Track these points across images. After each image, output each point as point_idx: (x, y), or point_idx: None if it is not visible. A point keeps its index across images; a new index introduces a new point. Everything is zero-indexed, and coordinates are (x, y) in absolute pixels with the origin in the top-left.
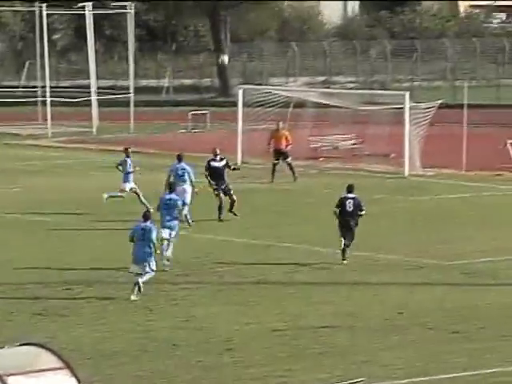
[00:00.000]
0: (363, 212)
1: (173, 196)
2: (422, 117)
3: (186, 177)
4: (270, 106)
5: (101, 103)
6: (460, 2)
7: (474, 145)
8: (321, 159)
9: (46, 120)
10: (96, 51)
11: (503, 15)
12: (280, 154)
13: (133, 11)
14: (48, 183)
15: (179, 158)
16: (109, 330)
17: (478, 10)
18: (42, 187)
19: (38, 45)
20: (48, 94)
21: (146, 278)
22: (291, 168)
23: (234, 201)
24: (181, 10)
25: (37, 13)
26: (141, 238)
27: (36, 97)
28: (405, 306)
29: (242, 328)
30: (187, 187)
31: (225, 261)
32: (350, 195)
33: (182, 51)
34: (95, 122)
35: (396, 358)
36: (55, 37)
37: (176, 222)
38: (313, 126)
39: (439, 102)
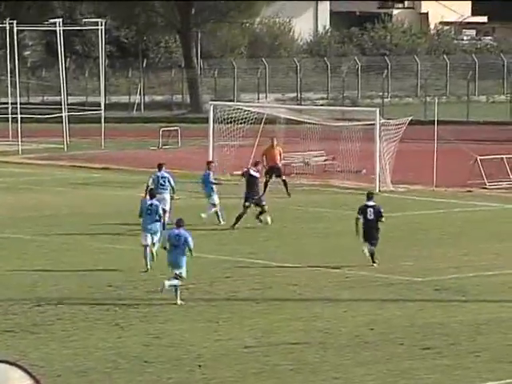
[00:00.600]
0: (383, 219)
1: (154, 201)
2: (392, 133)
3: (167, 184)
4: (241, 123)
5: (72, 120)
6: (430, 19)
7: (445, 161)
8: (292, 175)
9: (17, 137)
10: (67, 68)
11: (473, 32)
12: (274, 171)
13: (104, 28)
14: (18, 200)
15: (159, 167)
16: (80, 346)
17: (448, 27)
18: (11, 204)
19: (8, 61)
20: (19, 111)
21: (175, 282)
22: (285, 184)
23: (265, 211)
24: (152, 27)
25: (7, 29)
26: (176, 244)
27: (6, 113)
28: (376, 323)
29: (212, 344)
30: (167, 195)
31: (196, 277)
32: (370, 203)
33: (153, 68)
34: (66, 138)
35: (367, 374)
36: (26, 53)
37: (158, 226)
38: (284, 142)
39: (410, 118)
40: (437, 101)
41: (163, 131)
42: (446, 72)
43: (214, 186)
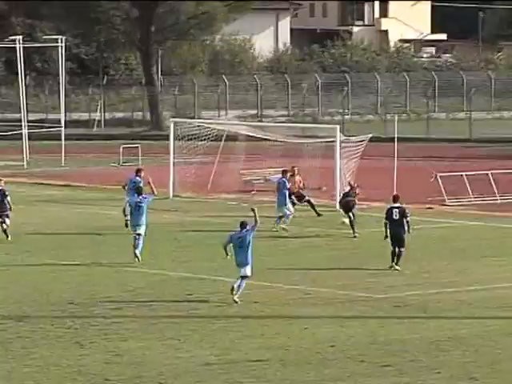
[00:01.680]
0: (408, 219)
1: (141, 198)
2: (353, 150)
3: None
4: (201, 140)
5: (32, 137)
6: (390, 37)
7: (405, 178)
8: (253, 192)
9: None
10: (27, 85)
11: (432, 49)
12: (299, 198)
13: (64, 44)
14: None
15: (137, 172)
16: (39, 364)
17: (407, 45)
18: None
19: None
20: None
21: (243, 284)
22: (312, 205)
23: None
24: (112, 44)
25: None
26: (239, 245)
27: None
28: (337, 340)
29: (173, 362)
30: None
31: (157, 294)
32: (396, 205)
33: (114, 85)
34: (26, 155)
35: None
36: None
37: (144, 221)
38: (245, 159)
39: (370, 135)
40: (397, 118)
41: (124, 148)
42: (406, 89)
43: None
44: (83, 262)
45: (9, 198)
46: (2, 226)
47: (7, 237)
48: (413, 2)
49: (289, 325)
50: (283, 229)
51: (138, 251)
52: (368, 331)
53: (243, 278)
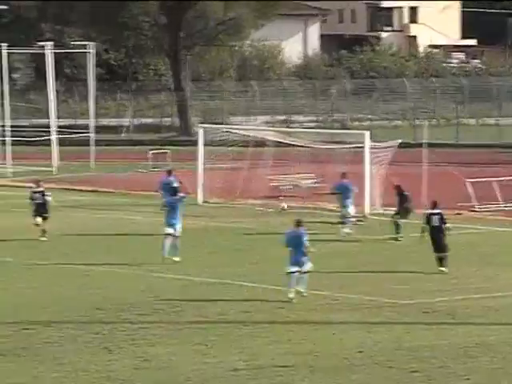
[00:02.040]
0: (448, 225)
1: (175, 197)
2: (381, 156)
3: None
4: (230, 145)
5: (61, 142)
6: (419, 42)
7: (434, 184)
8: (281, 198)
9: (6, 159)
10: (56, 90)
11: (462, 55)
12: None
13: (93, 50)
14: (6, 223)
15: (169, 173)
16: (68, 370)
17: (437, 50)
18: (0, 227)
19: None
20: (8, 134)
21: (304, 284)
22: None
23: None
24: (141, 50)
25: None
26: (296, 243)
27: None
28: (364, 345)
29: (201, 367)
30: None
31: (184, 300)
32: (435, 211)
33: (143, 90)
34: (55, 161)
35: None
36: (15, 76)
37: (179, 220)
38: (273, 164)
39: (399, 141)
40: (426, 124)
41: (152, 154)
42: (435, 95)
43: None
44: (110, 268)
45: (48, 199)
46: (40, 224)
47: (42, 235)
48: (442, 8)
49: (316, 330)
50: (347, 233)
51: (169, 255)
52: (395, 337)
53: (304, 272)
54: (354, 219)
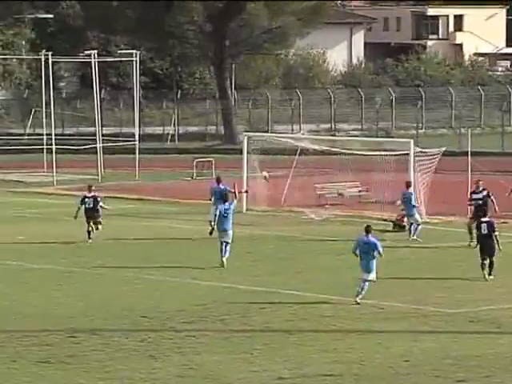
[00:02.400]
0: (496, 233)
1: (227, 204)
2: (426, 164)
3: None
4: (275, 154)
5: (106, 151)
6: (464, 50)
7: None
8: (326, 206)
9: (52, 168)
10: (101, 99)
11: (507, 63)
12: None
13: (138, 59)
14: (53, 231)
15: (218, 181)
16: (114, 377)
17: (482, 58)
18: (46, 235)
19: (43, 92)
20: (53, 142)
21: (365, 287)
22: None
23: None
24: (186, 58)
25: (43, 61)
26: (365, 250)
27: (42, 144)
28: (410, 354)
29: (246, 375)
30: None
31: (230, 308)
32: (484, 219)
33: (187, 99)
34: (100, 169)
35: None
36: (61, 84)
37: (231, 227)
38: (318, 173)
39: (444, 149)
40: (470, 132)
41: (197, 162)
42: (481, 103)
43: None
44: (155, 276)
45: (101, 204)
46: (92, 228)
47: (89, 239)
48: (488, 16)
49: (362, 339)
50: (415, 239)
51: (225, 258)
52: (441, 346)
53: (367, 281)
54: (420, 226)
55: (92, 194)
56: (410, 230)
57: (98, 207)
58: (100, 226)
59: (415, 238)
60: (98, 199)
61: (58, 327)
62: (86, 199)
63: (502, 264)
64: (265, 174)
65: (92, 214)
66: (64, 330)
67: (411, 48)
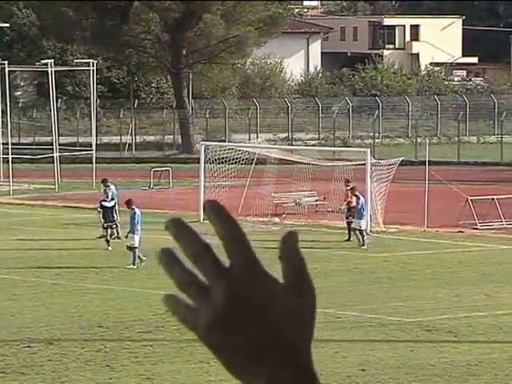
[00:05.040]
0: None
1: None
2: (383, 173)
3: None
4: (232, 163)
5: (63, 160)
6: (421, 60)
7: (436, 202)
8: (284, 215)
9: (8, 177)
10: (58, 108)
11: (463, 73)
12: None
13: (95, 68)
14: (8, 240)
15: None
16: None
17: (438, 68)
18: (2, 244)
19: None
20: (10, 151)
21: None
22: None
23: None
24: (143, 67)
25: None
26: None
27: None
28: (367, 363)
29: None
30: None
31: None
32: None
33: (145, 108)
34: (57, 178)
35: None
36: (17, 94)
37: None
38: (276, 182)
39: (401, 158)
40: (428, 141)
41: (154, 172)
42: (437, 113)
43: None
44: (112, 286)
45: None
46: (110, 234)
47: (109, 246)
48: (444, 26)
49: (318, 348)
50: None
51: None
52: (398, 355)
53: None
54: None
55: (111, 198)
56: (359, 238)
57: (115, 210)
58: (115, 231)
59: (365, 247)
60: (116, 206)
61: (13, 337)
62: (104, 202)
63: (458, 272)
64: (276, 220)
65: (111, 218)
66: (19, 340)
67: (368, 57)
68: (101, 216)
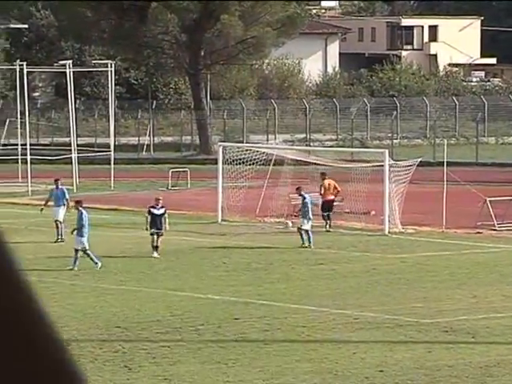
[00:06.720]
0: None
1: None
2: (401, 174)
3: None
4: (249, 164)
5: (81, 161)
6: (439, 61)
7: (454, 203)
8: (300, 217)
9: (26, 178)
10: (76, 109)
11: (482, 73)
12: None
13: (113, 69)
14: (26, 241)
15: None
16: None
17: (457, 69)
18: (19, 245)
19: (18, 103)
20: (28, 152)
21: None
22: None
23: None
24: (161, 68)
25: (17, 71)
26: None
27: (16, 155)
28: (385, 365)
29: None
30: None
31: (204, 318)
32: None
33: (163, 109)
34: (75, 179)
35: None
36: (35, 94)
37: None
38: (293, 183)
39: (419, 159)
40: (446, 142)
41: (172, 172)
42: (455, 113)
43: None
44: (130, 286)
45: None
46: (156, 241)
47: (155, 251)
48: (462, 26)
49: (337, 349)
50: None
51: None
52: (416, 356)
53: None
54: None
55: (160, 206)
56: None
57: (163, 219)
58: (162, 238)
59: (309, 247)
60: (166, 213)
61: None
62: (153, 209)
63: (476, 274)
64: (289, 223)
65: (159, 225)
66: None
67: (386, 58)
68: (148, 222)
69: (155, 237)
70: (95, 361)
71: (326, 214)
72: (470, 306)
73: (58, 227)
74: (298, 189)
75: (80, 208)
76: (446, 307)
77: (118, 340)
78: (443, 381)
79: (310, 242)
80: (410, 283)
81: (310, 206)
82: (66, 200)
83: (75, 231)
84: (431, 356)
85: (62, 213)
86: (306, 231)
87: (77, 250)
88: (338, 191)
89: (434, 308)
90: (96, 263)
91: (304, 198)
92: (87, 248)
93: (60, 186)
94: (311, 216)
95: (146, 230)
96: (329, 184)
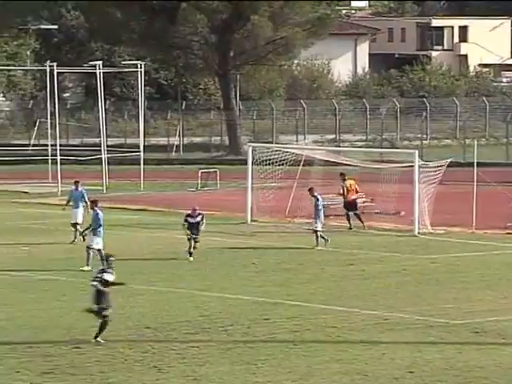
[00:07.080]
0: None
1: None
2: (431, 175)
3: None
4: (279, 164)
5: (111, 161)
6: (469, 61)
7: (484, 203)
8: (331, 217)
9: (56, 178)
10: (106, 109)
11: None
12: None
13: (143, 70)
14: (57, 241)
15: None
16: None
17: (487, 69)
18: (50, 245)
19: (48, 103)
20: (58, 153)
21: None
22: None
23: None
24: (191, 69)
25: (47, 71)
26: None
27: (46, 155)
28: (415, 365)
29: None
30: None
31: (234, 319)
32: None
33: (192, 109)
34: (105, 180)
35: None
36: (65, 95)
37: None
38: (322, 184)
39: (449, 160)
40: (476, 143)
41: (202, 173)
42: (485, 114)
43: None
44: (159, 287)
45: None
46: (193, 245)
47: (190, 256)
48: (492, 27)
49: (366, 350)
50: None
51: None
52: (446, 357)
53: None
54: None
55: (197, 212)
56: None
57: (201, 224)
58: (198, 244)
59: (319, 247)
60: (203, 220)
61: (62, 338)
62: (190, 218)
63: (506, 274)
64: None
65: (196, 232)
66: (68, 341)
67: (416, 59)
68: (186, 228)
69: (192, 242)
70: (125, 361)
71: (351, 213)
72: (501, 306)
73: (75, 229)
74: (310, 190)
75: (96, 208)
76: (477, 308)
77: (147, 340)
78: (473, 382)
79: (320, 243)
80: (440, 284)
81: (321, 207)
82: (85, 202)
83: (87, 230)
84: (461, 357)
85: (80, 215)
86: (315, 231)
87: (89, 248)
88: (358, 192)
89: (464, 309)
90: (87, 265)
91: (317, 200)
92: (102, 248)
93: (79, 188)
94: (322, 218)
95: (188, 235)
96: (350, 184)
